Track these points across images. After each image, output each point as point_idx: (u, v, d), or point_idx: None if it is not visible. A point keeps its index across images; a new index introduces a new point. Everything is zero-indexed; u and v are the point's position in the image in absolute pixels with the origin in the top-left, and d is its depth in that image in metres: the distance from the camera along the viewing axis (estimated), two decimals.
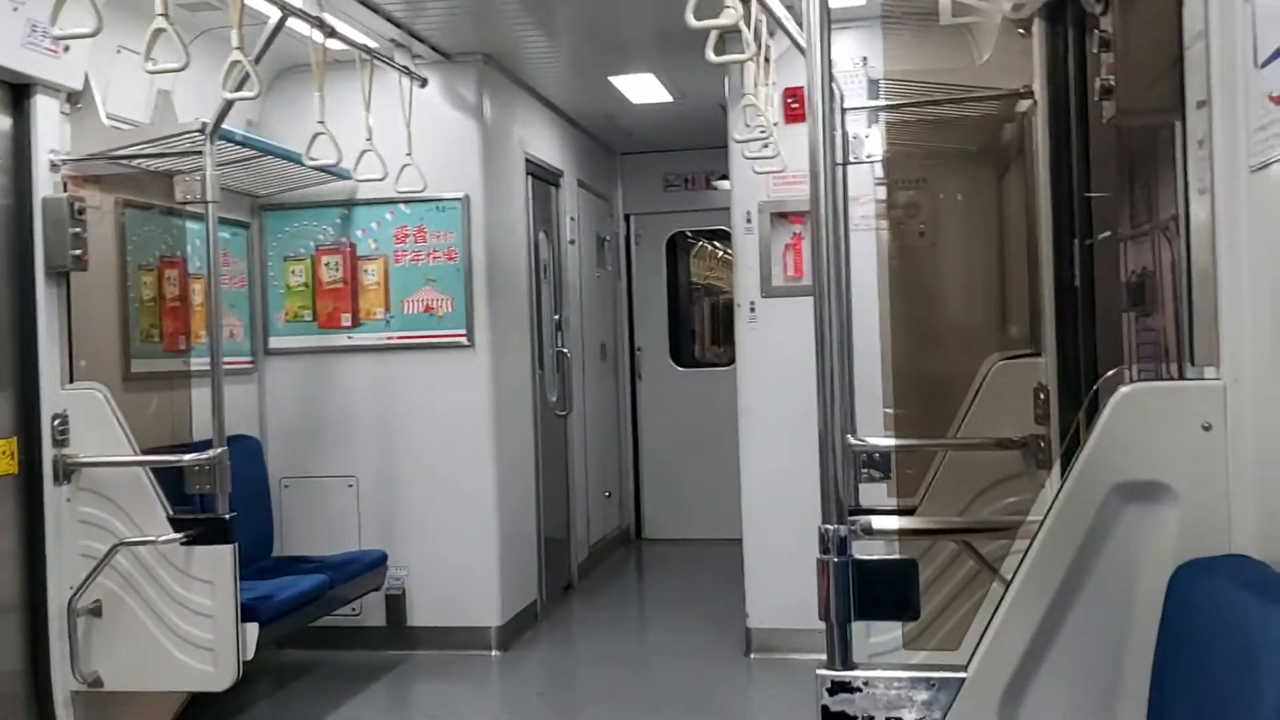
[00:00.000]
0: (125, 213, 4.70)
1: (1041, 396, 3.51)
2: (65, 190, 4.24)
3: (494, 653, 5.57)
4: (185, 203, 4.26)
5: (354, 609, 5.42)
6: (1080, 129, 3.46)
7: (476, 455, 5.62)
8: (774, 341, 5.31)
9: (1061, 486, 1.82)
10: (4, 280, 4.10)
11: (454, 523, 5.59)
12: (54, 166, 4.22)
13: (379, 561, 5.37)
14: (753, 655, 5.37)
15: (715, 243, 9.50)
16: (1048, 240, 3.57)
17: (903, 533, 2.27)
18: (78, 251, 4.21)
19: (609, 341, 8.28)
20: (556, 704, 5.16)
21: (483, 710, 5.06)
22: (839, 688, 1.86)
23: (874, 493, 3.81)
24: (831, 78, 2.05)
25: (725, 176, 8.24)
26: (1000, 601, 1.84)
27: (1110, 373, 2.21)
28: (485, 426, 5.63)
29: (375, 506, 5.64)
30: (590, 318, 7.71)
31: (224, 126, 4.29)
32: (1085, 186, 3.46)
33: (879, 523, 1.97)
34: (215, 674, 4.12)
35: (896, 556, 1.90)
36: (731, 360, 8.65)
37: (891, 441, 3.30)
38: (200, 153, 4.24)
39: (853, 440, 3.93)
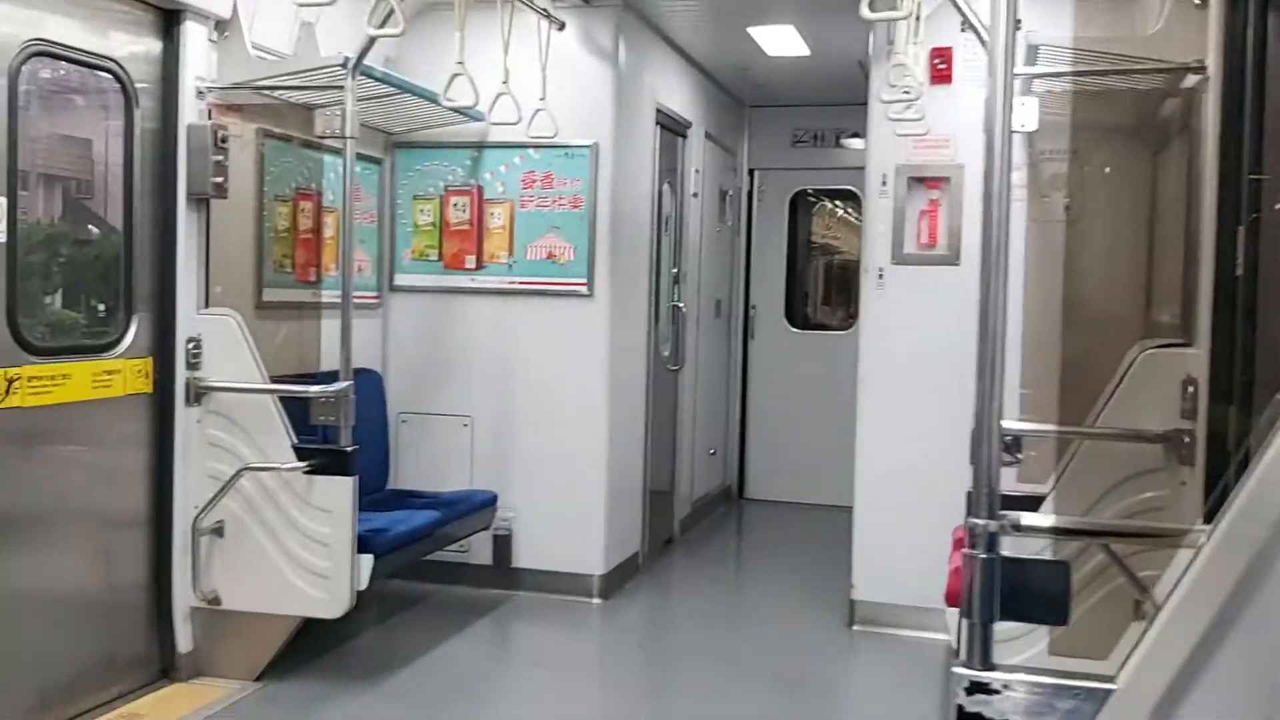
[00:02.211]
0: (265, 143, 4.77)
1: (1190, 390, 3.35)
2: (210, 118, 4.32)
3: (595, 600, 5.61)
4: (324, 137, 4.30)
5: (462, 546, 5.50)
6: (1255, 108, 3.26)
7: (590, 405, 5.62)
8: (901, 310, 5.18)
9: (1236, 496, 1.71)
10: (148, 204, 4.21)
11: (564, 470, 5.62)
12: (200, 94, 4.29)
13: (489, 502, 5.43)
14: (855, 627, 5.31)
15: (837, 202, 9.32)
16: (1210, 224, 3.38)
17: (1055, 532, 2.17)
18: (219, 179, 4.29)
19: (724, 298, 8.20)
20: (655, 657, 5.18)
21: (583, 656, 5.10)
22: (977, 688, 1.79)
23: (1003, 476, 3.69)
24: (1012, 40, 1.93)
25: (856, 134, 8.10)
26: (1159, 611, 1.74)
27: None
28: (600, 377, 5.63)
29: (488, 447, 5.69)
30: (708, 273, 7.63)
31: (365, 63, 4.30)
32: (1255, 169, 3.26)
33: (1028, 519, 1.89)
34: (329, 601, 4.22)
35: (1048, 557, 1.82)
36: (846, 324, 8.60)
37: (1033, 426, 3.17)
38: (341, 87, 4.26)
39: None
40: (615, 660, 5.11)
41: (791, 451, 8.36)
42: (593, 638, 5.32)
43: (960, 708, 1.82)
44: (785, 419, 8.41)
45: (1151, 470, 3.40)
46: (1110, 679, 1.77)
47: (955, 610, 3.86)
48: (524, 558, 5.66)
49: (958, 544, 4.61)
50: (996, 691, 1.80)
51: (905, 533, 5.18)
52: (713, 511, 7.91)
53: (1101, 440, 3.52)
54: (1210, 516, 3.27)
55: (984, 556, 1.79)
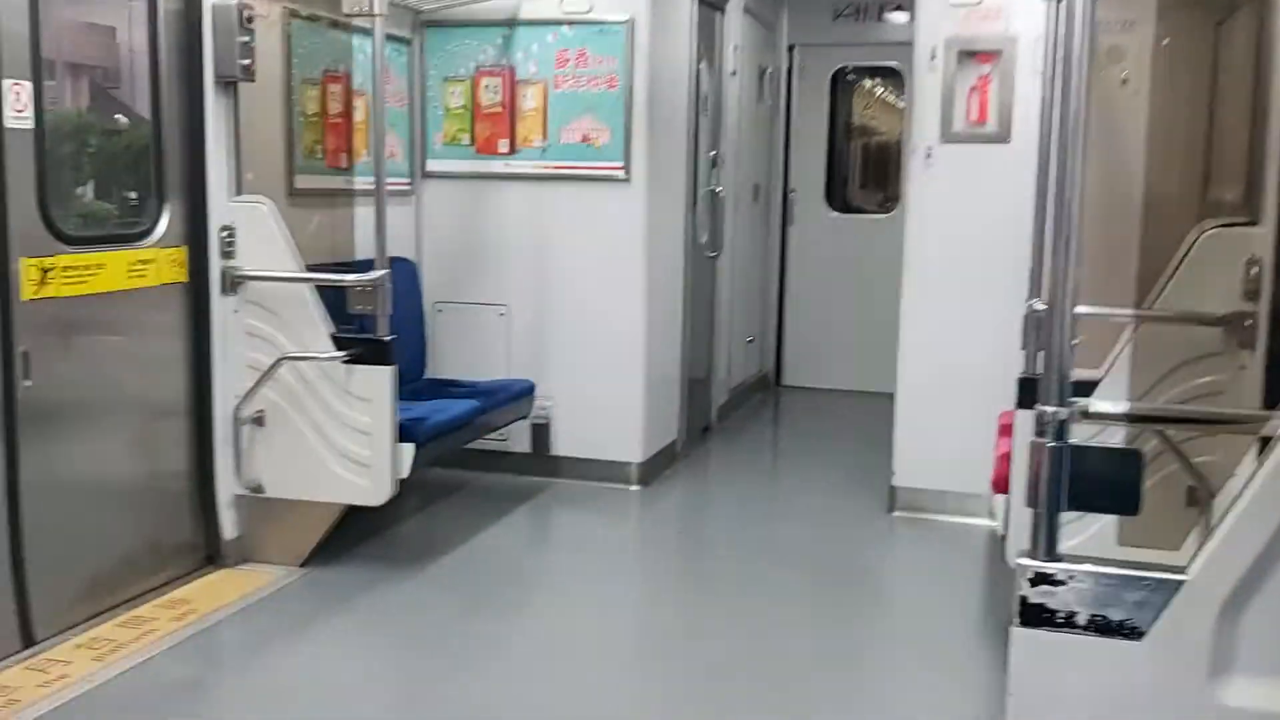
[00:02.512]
0: (291, 23, 4.63)
1: (1254, 270, 3.22)
2: None
3: (634, 487, 5.61)
4: (352, 15, 4.14)
5: (501, 435, 5.49)
6: None
7: (627, 292, 5.54)
8: (951, 191, 5.02)
9: None
10: (175, 91, 4.11)
11: (601, 358, 5.57)
12: None
13: (527, 391, 5.41)
14: (896, 513, 5.28)
15: (878, 79, 9.03)
16: (1279, 96, 3.21)
17: (1129, 418, 2.08)
18: (246, 61, 4.17)
19: (763, 182, 8.02)
20: (694, 544, 5.20)
21: (622, 542, 5.12)
22: (1041, 579, 1.73)
23: None
24: None
25: (900, 7, 7.80)
26: (1233, 504, 1.67)
27: None
28: (638, 263, 5.53)
29: (525, 335, 5.65)
30: (746, 156, 7.44)
31: None
32: None
33: (1097, 406, 1.80)
34: (372, 489, 4.23)
35: (1119, 445, 1.75)
36: (886, 207, 8.42)
37: (1089, 309, 3.05)
38: None
39: (1038, 305, 3.72)
40: (654, 547, 5.13)
41: (830, 337, 8.27)
42: (631, 524, 5.33)
43: (1024, 598, 1.76)
44: (823, 304, 8.30)
45: (1210, 354, 3.29)
46: (1181, 570, 1.71)
47: (1002, 496, 3.82)
48: (562, 445, 5.66)
49: (1004, 430, 4.53)
50: (1062, 582, 1.74)
51: (948, 419, 5.11)
52: (750, 399, 7.87)
53: (1159, 323, 3.40)
54: (1272, 401, 3.18)
55: (1053, 444, 1.71)
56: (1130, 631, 1.72)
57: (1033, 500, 1.72)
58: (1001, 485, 3.75)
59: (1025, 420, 3.64)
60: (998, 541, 4.04)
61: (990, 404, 4.78)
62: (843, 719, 3.39)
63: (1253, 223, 3.28)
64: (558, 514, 5.39)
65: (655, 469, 5.81)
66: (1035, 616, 1.76)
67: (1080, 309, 3.76)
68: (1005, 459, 3.82)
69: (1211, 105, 4.35)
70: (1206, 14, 4.45)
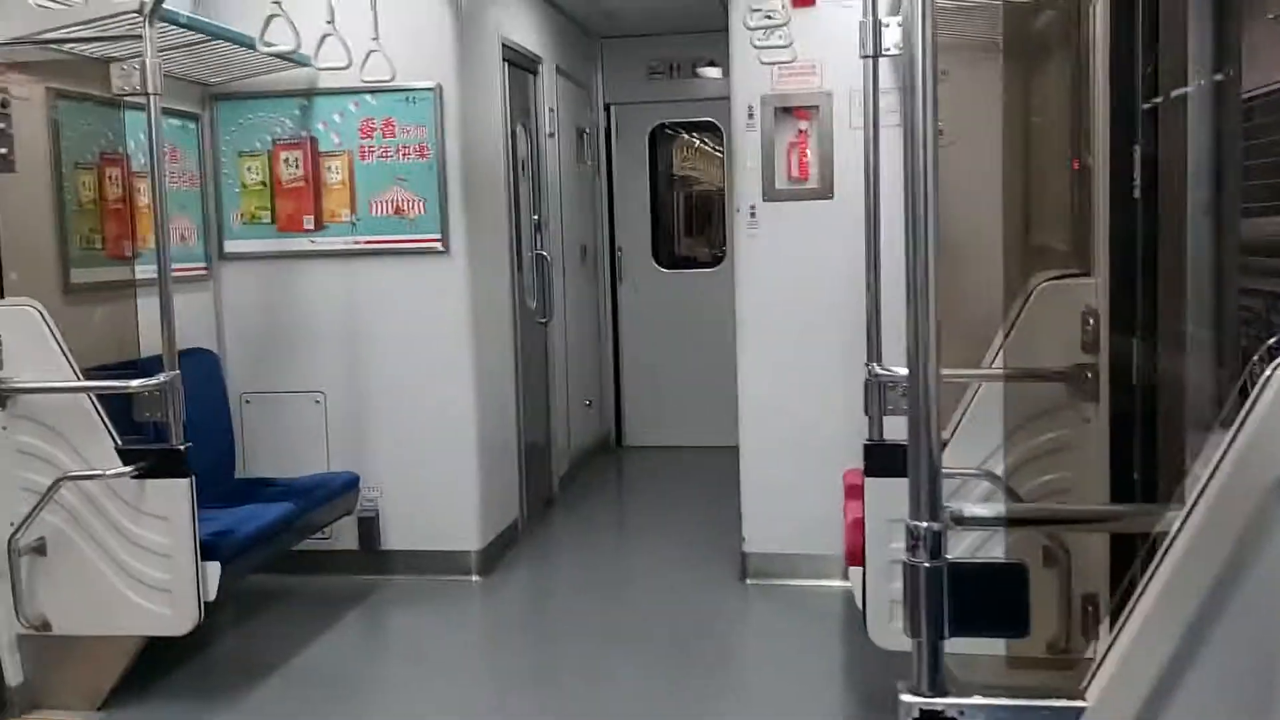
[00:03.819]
0: (58, 104, 4.19)
1: (1090, 322, 3.17)
2: None
3: (474, 578, 5.26)
4: (123, 94, 3.75)
5: (325, 533, 5.07)
6: (1147, 20, 3.05)
7: (453, 369, 5.23)
8: (776, 248, 4.91)
9: (1205, 485, 1.46)
10: None
11: (430, 441, 5.23)
12: None
13: (350, 484, 5.01)
14: (749, 581, 5.10)
15: (695, 134, 9.02)
16: (1104, 145, 3.18)
17: (1008, 521, 1.91)
18: (2, 150, 3.75)
19: (589, 242, 7.84)
20: (541, 636, 4.87)
21: (463, 643, 4.76)
22: (929, 717, 1.52)
23: (898, 426, 3.48)
24: None
25: (713, 63, 7.79)
26: (1128, 616, 1.49)
27: (1273, 340, 1.84)
28: (463, 338, 5.23)
29: (344, 423, 5.25)
30: (570, 217, 7.25)
31: (165, 7, 3.76)
32: (1151, 89, 3.05)
33: (970, 510, 1.62)
34: (174, 617, 3.78)
35: (1000, 559, 1.57)
36: (712, 257, 8.35)
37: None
38: (139, 37, 3.71)
39: (879, 370, 3.59)
40: (499, 645, 4.78)
41: (667, 394, 8.12)
42: (473, 621, 4.97)
43: None
44: (659, 362, 8.16)
45: (1055, 409, 3.21)
46: (1080, 695, 1.52)
47: (857, 569, 3.66)
48: (394, 539, 5.27)
49: (850, 490, 4.41)
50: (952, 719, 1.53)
51: (793, 479, 4.98)
52: (592, 464, 7.63)
53: (1001, 381, 3.32)
54: (1115, 456, 3.12)
55: (929, 565, 1.51)
56: None
57: (913, 629, 1.51)
58: (855, 558, 3.59)
59: (875, 489, 3.52)
60: (855, 608, 3.88)
61: (834, 461, 4.68)
62: None
63: (1085, 273, 3.24)
64: (392, 617, 4.99)
65: (495, 554, 5.48)
66: None
67: None
68: (857, 526, 3.67)
69: (1026, 151, 4.36)
70: (1023, 65, 4.48)
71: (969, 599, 1.52)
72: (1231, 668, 1.51)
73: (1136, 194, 3.07)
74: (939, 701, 1.53)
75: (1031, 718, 1.52)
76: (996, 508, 2.57)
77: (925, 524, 1.52)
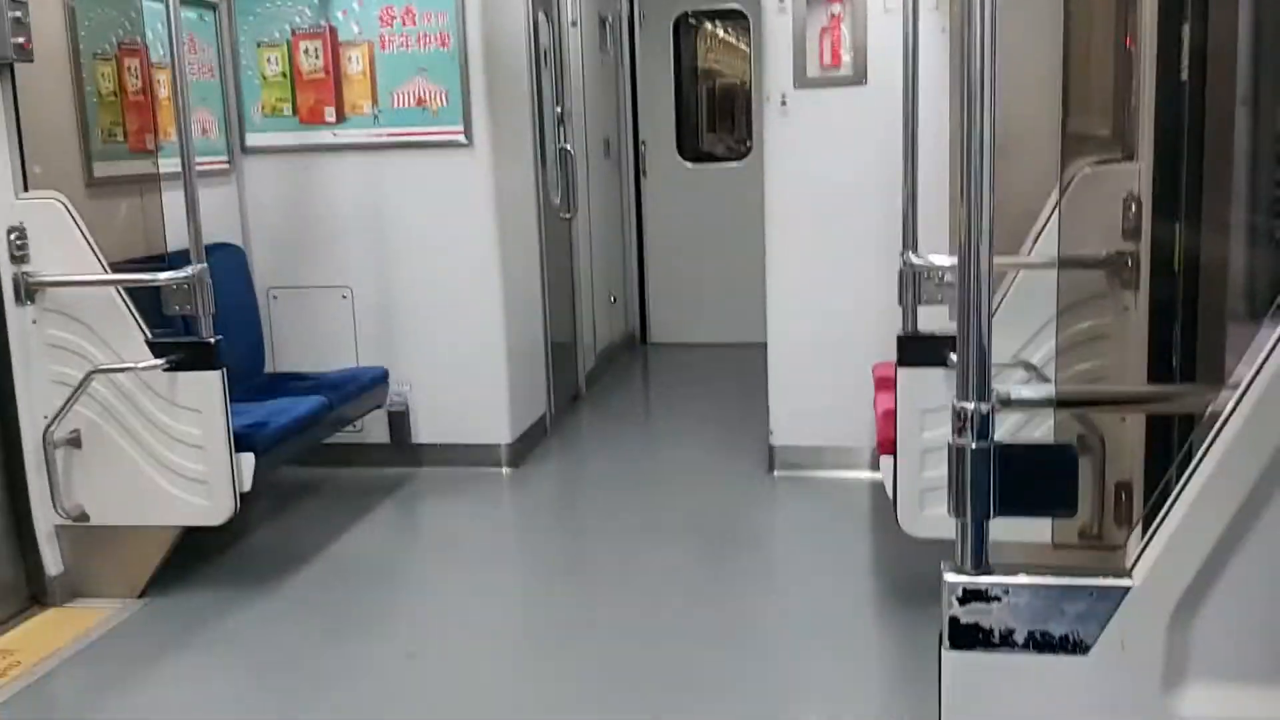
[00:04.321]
0: None
1: (1132, 208, 3.09)
2: None
3: (504, 470, 5.31)
4: None
5: (356, 426, 5.11)
6: None
7: (479, 263, 5.19)
8: (809, 138, 4.81)
9: (1259, 369, 1.42)
10: None
11: (458, 335, 5.22)
12: None
13: (379, 379, 5.03)
14: (776, 473, 5.12)
15: (719, 23, 8.80)
16: (1150, 26, 3.07)
17: (1055, 403, 1.88)
18: (19, 39, 3.67)
19: (613, 136, 7.71)
20: (571, 525, 4.93)
21: (495, 532, 4.81)
22: (972, 596, 1.52)
23: (938, 315, 3.44)
24: None
25: None
26: (1176, 499, 1.47)
27: None
28: (488, 232, 5.18)
29: (372, 319, 5.25)
30: (593, 110, 7.12)
31: None
32: None
33: (1018, 392, 1.59)
34: (210, 508, 3.83)
35: (1050, 441, 1.55)
36: (737, 151, 8.22)
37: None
38: None
39: (915, 259, 3.54)
40: (529, 535, 4.84)
41: (693, 291, 8.08)
42: (503, 512, 5.03)
43: (954, 619, 1.55)
44: (685, 258, 8.10)
45: (1094, 297, 3.16)
46: (1126, 574, 1.51)
47: (889, 458, 3.65)
48: (424, 432, 5.30)
49: (880, 383, 4.39)
50: (996, 598, 1.53)
51: (821, 372, 4.96)
52: (619, 361, 7.63)
53: (1042, 269, 3.26)
54: (1154, 345, 3.08)
55: (975, 446, 1.49)
56: (1075, 646, 1.53)
57: (957, 508, 1.49)
58: (887, 446, 3.58)
59: (907, 379, 3.49)
60: (885, 498, 3.89)
61: (862, 354, 4.66)
62: (737, 705, 3.18)
63: (1128, 158, 3.15)
64: (423, 507, 5.05)
65: (525, 448, 5.51)
66: (968, 638, 1.55)
67: (955, 260, 3.62)
68: (888, 418, 3.66)
69: (1067, 32, 4.22)
70: None
71: (1018, 479, 1.51)
72: (1277, 555, 1.49)
73: (1184, 77, 2.97)
74: (984, 580, 1.53)
75: (1076, 596, 1.51)
76: (1045, 388, 2.54)
77: (974, 405, 1.49)
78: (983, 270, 1.46)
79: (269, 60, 5.12)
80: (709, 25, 8.80)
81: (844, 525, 4.53)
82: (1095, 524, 3.10)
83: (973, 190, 1.45)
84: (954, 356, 1.66)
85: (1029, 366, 3.11)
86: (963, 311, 1.47)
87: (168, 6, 3.66)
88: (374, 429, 5.27)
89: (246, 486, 3.85)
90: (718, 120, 8.90)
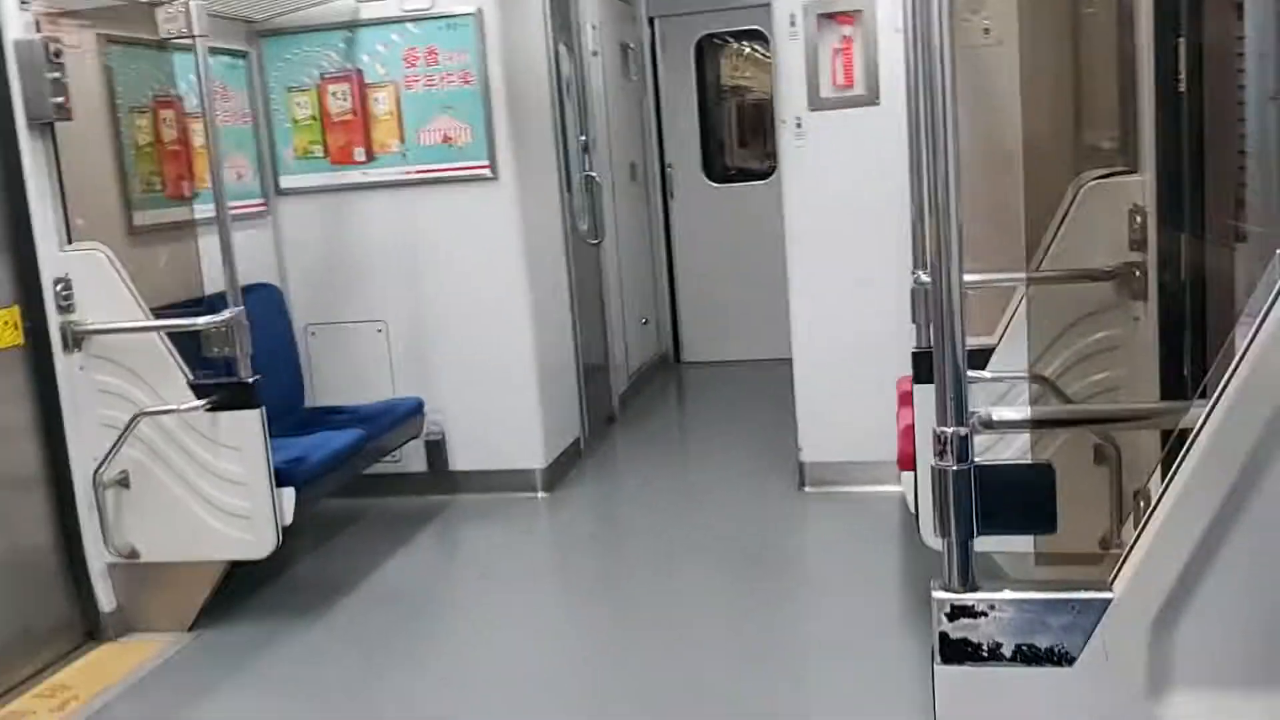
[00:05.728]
0: (109, 50, 4.28)
1: (1138, 220, 3.14)
2: (38, 31, 3.83)
3: (540, 494, 5.42)
4: (170, 38, 3.83)
5: (394, 457, 5.24)
6: None
7: (509, 292, 5.32)
8: (824, 159, 4.89)
9: (1227, 383, 1.49)
10: None
11: (490, 363, 5.35)
12: (23, 4, 3.79)
13: (415, 409, 5.16)
14: (807, 489, 5.18)
15: (744, 41, 8.89)
16: (1148, 38, 3.12)
17: (1036, 423, 1.95)
18: (59, 99, 3.83)
19: (638, 160, 7.83)
20: (608, 547, 5.02)
21: (533, 556, 4.91)
22: (960, 612, 1.59)
23: None
24: None
25: None
26: (1154, 510, 1.54)
27: None
28: (516, 261, 5.31)
29: (407, 350, 5.39)
30: (618, 136, 7.24)
31: None
32: None
33: (999, 414, 1.67)
34: (254, 542, 3.96)
35: (1027, 461, 1.62)
36: (765, 166, 8.30)
37: (975, 276, 2.92)
38: None
39: (925, 277, 3.60)
40: (566, 559, 4.94)
41: (723, 310, 8.16)
42: (540, 536, 5.13)
43: (944, 635, 1.62)
44: (714, 277, 8.18)
45: (1103, 310, 3.21)
46: (1106, 587, 1.58)
47: (909, 474, 3.71)
48: (460, 460, 5.43)
49: (903, 398, 4.44)
50: (983, 614, 1.60)
51: (847, 387, 5.02)
52: (652, 381, 7.72)
53: (1048, 283, 3.31)
54: (1166, 358, 3.12)
55: (956, 468, 1.56)
56: (1060, 658, 1.59)
57: (942, 528, 1.57)
58: (907, 463, 3.64)
59: (924, 395, 3.55)
60: (909, 511, 3.94)
61: (888, 369, 4.71)
62: None
63: (1132, 170, 3.20)
64: (462, 534, 5.17)
65: (560, 472, 5.62)
66: (958, 652, 1.62)
67: (968, 277, 3.68)
68: (908, 433, 3.72)
69: (1076, 48, 4.27)
70: None
71: (999, 499, 1.58)
72: (1255, 562, 1.55)
73: (1182, 88, 3.02)
74: (969, 596, 1.60)
75: (1059, 610, 1.58)
76: (1024, 410, 2.60)
77: (951, 429, 1.57)
78: (954, 299, 1.53)
79: (299, 104, 5.28)
80: (733, 43, 8.90)
81: (873, 541, 4.58)
82: (1115, 535, 3.15)
83: (940, 219, 1.53)
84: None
85: (1040, 380, 3.17)
86: (937, 340, 1.55)
87: (197, 58, 3.83)
88: (411, 459, 5.39)
89: (288, 520, 3.99)
90: (746, 136, 8.97)
